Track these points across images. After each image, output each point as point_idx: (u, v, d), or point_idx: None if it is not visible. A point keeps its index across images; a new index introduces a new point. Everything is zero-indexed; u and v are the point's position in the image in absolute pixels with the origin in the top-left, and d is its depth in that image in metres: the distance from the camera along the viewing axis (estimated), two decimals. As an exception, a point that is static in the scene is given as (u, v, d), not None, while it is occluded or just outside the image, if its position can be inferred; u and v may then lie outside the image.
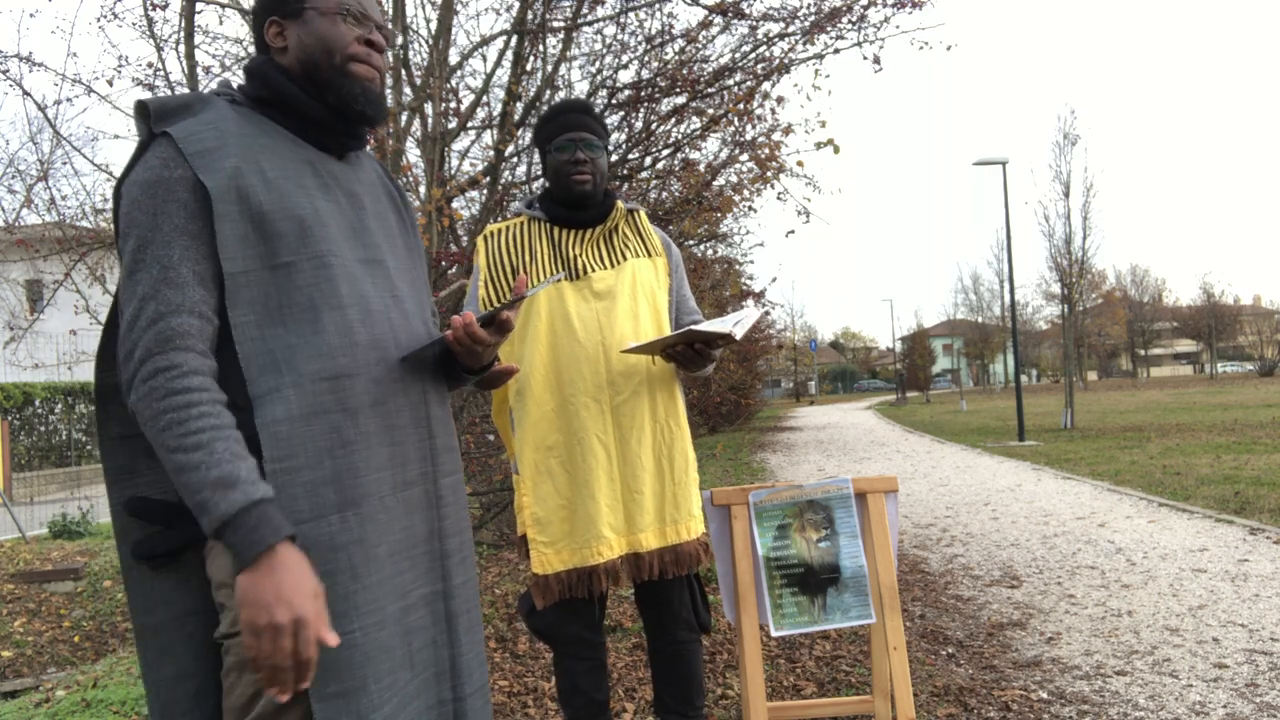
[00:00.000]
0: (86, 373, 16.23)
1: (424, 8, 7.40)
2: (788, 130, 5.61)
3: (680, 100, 5.31)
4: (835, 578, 2.65)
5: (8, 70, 4.28)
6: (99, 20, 4.56)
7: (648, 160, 5.96)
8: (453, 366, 1.60)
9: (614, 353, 2.23)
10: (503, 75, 5.04)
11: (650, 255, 2.38)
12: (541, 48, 4.93)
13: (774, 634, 2.60)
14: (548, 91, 5.12)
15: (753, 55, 5.27)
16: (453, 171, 5.06)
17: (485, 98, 5.00)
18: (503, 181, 4.79)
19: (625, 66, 5.50)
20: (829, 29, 5.04)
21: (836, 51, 5.19)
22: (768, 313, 18.48)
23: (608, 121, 5.36)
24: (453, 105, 4.41)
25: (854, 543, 2.67)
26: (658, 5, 5.09)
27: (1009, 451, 13.95)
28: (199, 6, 3.92)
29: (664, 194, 6.45)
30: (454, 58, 4.85)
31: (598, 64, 5.58)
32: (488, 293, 2.31)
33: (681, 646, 2.37)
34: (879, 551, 2.65)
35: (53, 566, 8.10)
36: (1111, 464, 10.97)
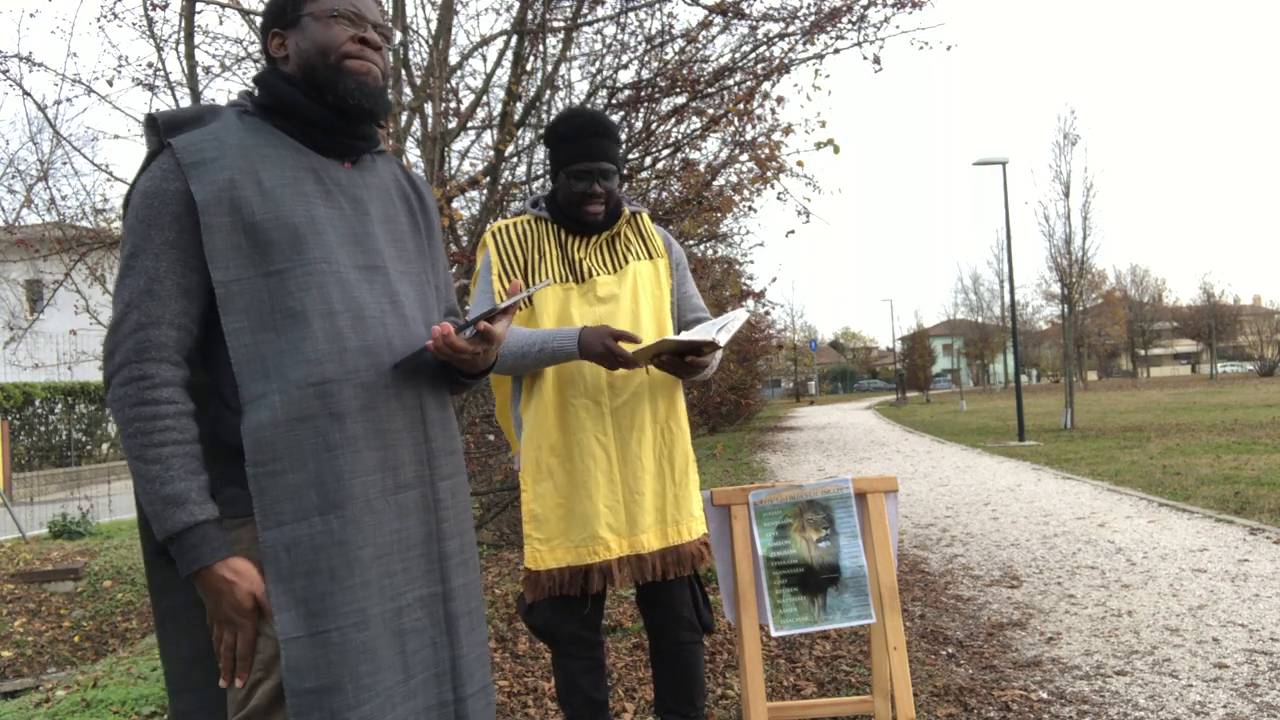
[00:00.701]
0: (86, 373, 16.23)
1: (424, 8, 7.40)
2: (788, 130, 5.61)
3: (680, 100, 5.31)
4: (835, 578, 2.65)
5: (8, 70, 4.28)
6: (99, 20, 4.56)
7: (648, 160, 5.96)
8: (452, 371, 1.61)
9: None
10: (503, 75, 5.04)
11: (652, 257, 2.40)
12: (541, 48, 4.93)
13: (774, 634, 2.60)
14: (548, 91, 5.12)
15: (753, 55, 5.27)
16: (453, 171, 5.06)
17: (485, 98, 5.00)
18: (503, 181, 4.79)
19: (625, 66, 5.50)
20: (829, 29, 5.04)
21: (836, 51, 5.19)
22: (767, 313, 18.47)
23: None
24: (453, 105, 4.41)
25: (854, 543, 2.67)
26: (658, 5, 5.09)
27: (1009, 451, 13.95)
28: (199, 6, 3.93)
29: (664, 194, 6.45)
30: (454, 58, 4.86)
31: (598, 64, 5.58)
32: (501, 286, 2.33)
33: (683, 647, 2.38)
34: (879, 551, 2.65)
35: (53, 566, 8.10)
36: (1111, 464, 10.97)
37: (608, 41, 5.53)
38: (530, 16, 4.51)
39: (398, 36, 4.00)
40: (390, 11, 3.98)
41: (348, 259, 1.46)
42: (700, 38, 5.24)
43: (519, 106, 4.61)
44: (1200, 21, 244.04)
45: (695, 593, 2.40)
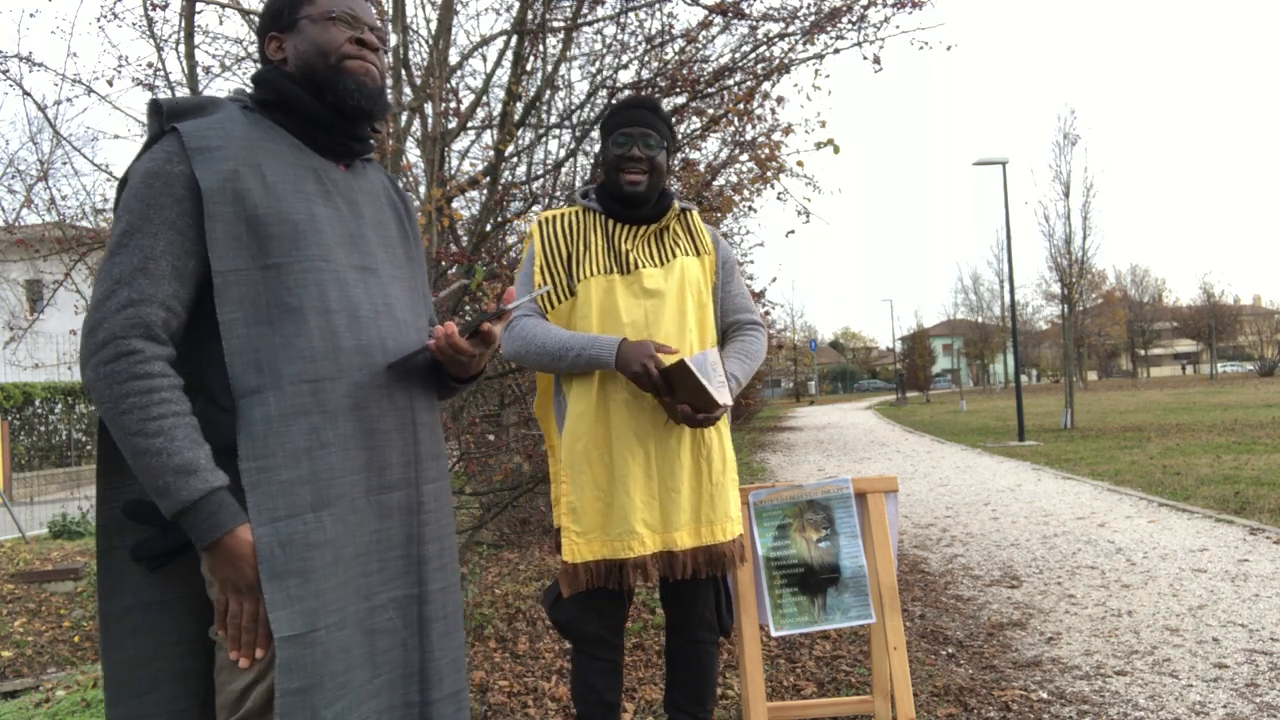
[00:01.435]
0: (86, 373, 16.20)
1: (424, 8, 7.40)
2: (788, 130, 5.61)
3: (680, 100, 5.31)
4: (835, 578, 2.65)
5: (8, 70, 4.28)
6: (99, 20, 4.56)
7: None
8: (443, 375, 1.61)
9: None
10: (503, 75, 5.04)
11: (699, 254, 2.37)
12: (541, 48, 4.93)
13: (774, 634, 2.60)
14: (548, 91, 5.12)
15: (753, 55, 5.27)
16: (453, 171, 5.06)
17: (485, 98, 5.00)
18: (503, 181, 4.79)
19: (625, 66, 5.50)
20: (829, 29, 5.03)
21: (836, 51, 5.19)
22: (767, 313, 18.43)
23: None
24: (453, 105, 4.41)
25: (854, 543, 2.67)
26: (658, 5, 5.09)
27: (1009, 451, 13.95)
28: (199, 6, 3.92)
29: (664, 194, 6.43)
30: (454, 58, 4.85)
31: (598, 64, 5.58)
32: (543, 277, 2.31)
33: (700, 646, 2.37)
34: (879, 551, 2.65)
35: (53, 566, 8.10)
36: (1111, 464, 10.97)
37: (608, 41, 5.53)
38: (530, 16, 4.51)
39: (392, 39, 3.99)
40: (390, 11, 3.98)
41: (344, 259, 1.47)
42: (700, 38, 5.24)
43: (519, 106, 4.61)
44: (1200, 21, 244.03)
45: (719, 594, 2.39)
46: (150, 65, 4.59)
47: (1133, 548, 5.88)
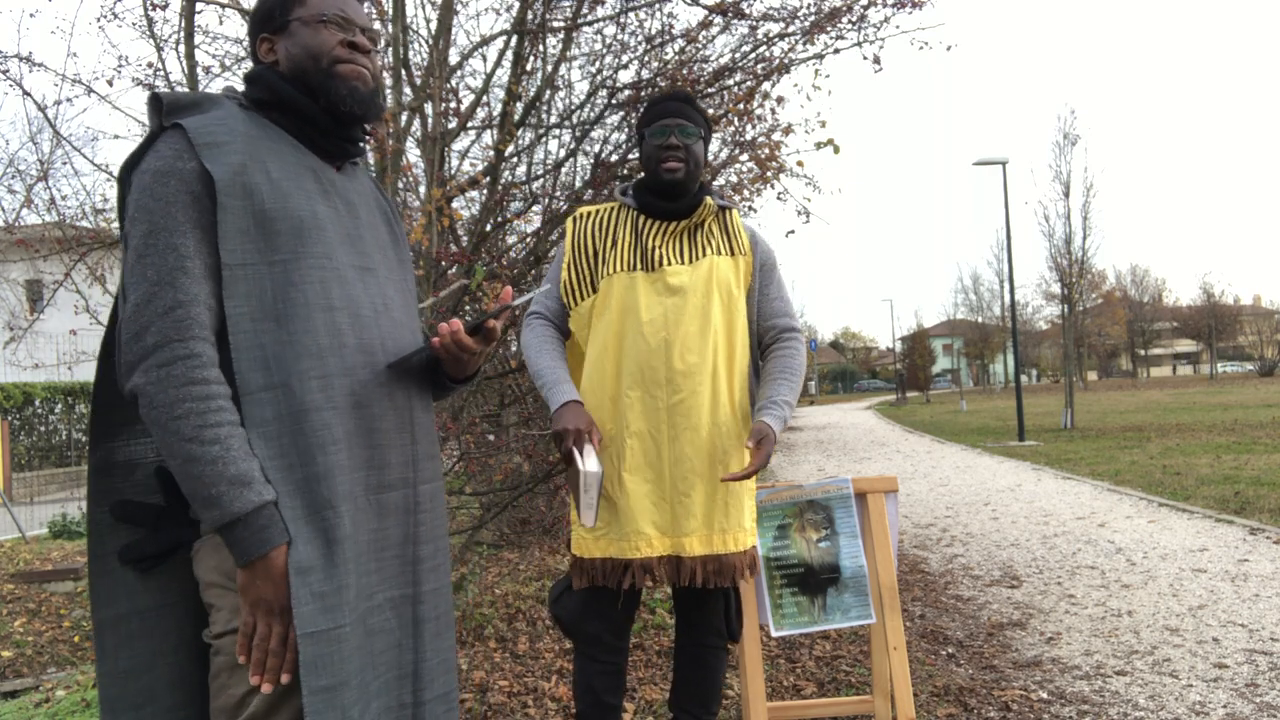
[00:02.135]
0: (86, 373, 16.22)
1: (424, 8, 7.40)
2: (788, 130, 5.60)
3: (680, 100, 5.30)
4: (835, 578, 2.65)
5: (8, 70, 4.28)
6: (99, 20, 4.56)
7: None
8: (439, 375, 1.61)
9: (676, 350, 2.18)
10: (503, 75, 5.04)
11: (734, 254, 2.30)
12: (541, 48, 4.93)
13: (774, 634, 2.60)
14: (548, 91, 5.12)
15: (753, 55, 5.27)
16: (453, 171, 5.06)
17: (485, 98, 5.00)
18: (503, 181, 4.79)
19: (625, 66, 5.50)
20: (829, 29, 5.03)
21: (836, 51, 5.19)
22: None
23: (607, 121, 5.36)
24: (453, 105, 4.41)
25: (854, 543, 2.67)
26: (658, 5, 5.08)
27: (1009, 451, 13.94)
28: (199, 6, 3.92)
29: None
30: (454, 58, 4.85)
31: (598, 64, 5.57)
32: (568, 274, 2.28)
33: (707, 651, 2.35)
34: (879, 551, 2.65)
35: (53, 566, 8.10)
36: (1111, 464, 10.96)
37: (608, 41, 5.53)
38: (530, 16, 4.51)
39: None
40: (390, 11, 3.98)
41: (345, 258, 1.47)
42: (700, 38, 5.24)
43: (519, 106, 4.61)
44: (1200, 21, 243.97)
45: (729, 603, 2.35)
46: (150, 65, 4.59)
47: (1133, 548, 5.88)
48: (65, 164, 8.93)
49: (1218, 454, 11.27)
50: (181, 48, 3.89)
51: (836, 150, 5.22)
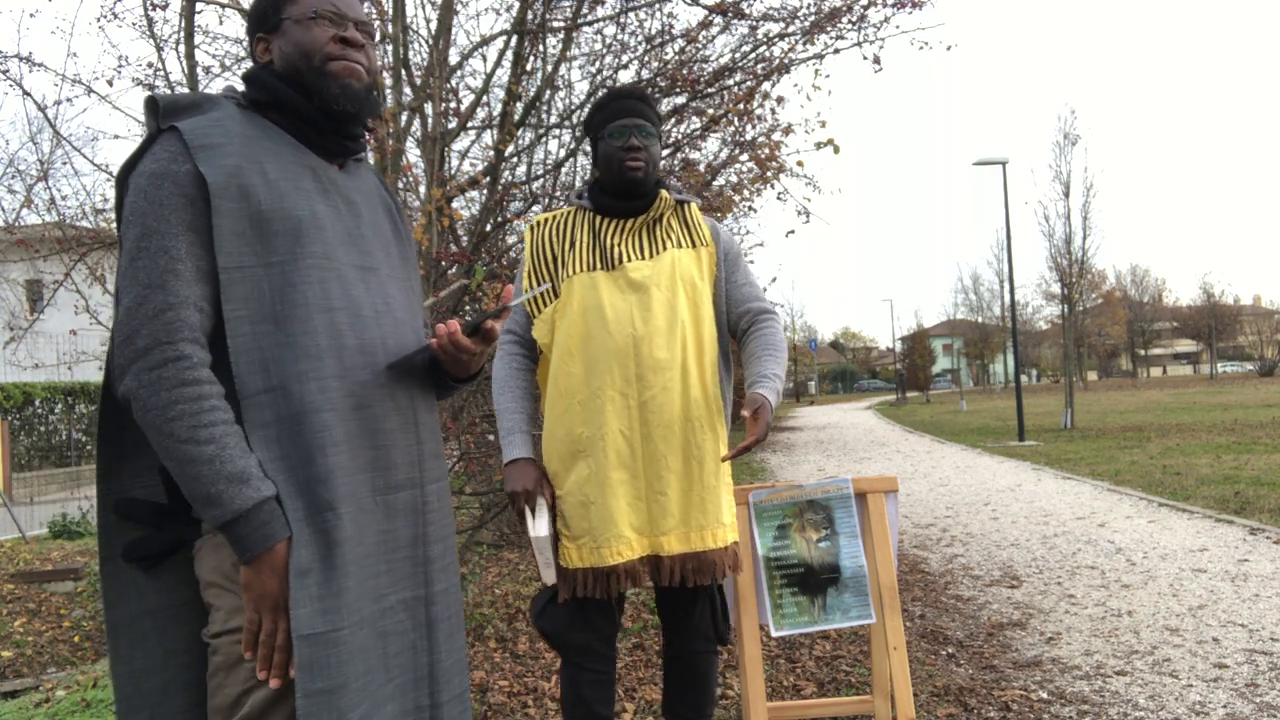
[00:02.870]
0: (86, 373, 16.24)
1: (424, 8, 7.40)
2: (788, 130, 5.61)
3: (680, 100, 5.31)
4: (835, 578, 2.65)
5: (8, 70, 4.28)
6: (99, 20, 4.56)
7: (648, 160, 5.93)
8: (441, 375, 1.60)
9: (645, 346, 2.16)
10: (503, 75, 5.04)
11: (695, 246, 2.28)
12: (541, 48, 4.93)
13: (774, 634, 2.60)
14: (548, 91, 5.12)
15: (753, 55, 5.27)
16: (453, 171, 5.06)
17: (485, 98, 5.00)
18: (503, 181, 4.79)
19: (625, 66, 5.50)
20: (829, 29, 5.04)
21: (836, 51, 5.19)
22: None
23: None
24: (453, 105, 4.41)
25: (854, 543, 2.67)
26: (658, 5, 5.09)
27: (1009, 451, 13.95)
28: (199, 6, 3.92)
29: (664, 194, 6.43)
30: (454, 58, 4.85)
31: (598, 64, 5.58)
32: (530, 282, 2.27)
33: (697, 657, 2.30)
34: (879, 551, 2.65)
35: (53, 566, 8.10)
36: (1111, 464, 10.97)
37: (608, 41, 5.54)
38: (530, 16, 4.51)
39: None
40: (390, 11, 3.98)
41: (345, 258, 1.46)
42: (700, 38, 5.24)
43: (519, 106, 4.61)
44: (1200, 21, 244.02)
45: (714, 604, 2.31)
46: (150, 65, 4.59)
47: (1133, 548, 5.88)
48: (65, 164, 8.94)
49: (1218, 454, 11.27)
50: (181, 48, 3.89)
51: (836, 150, 5.22)
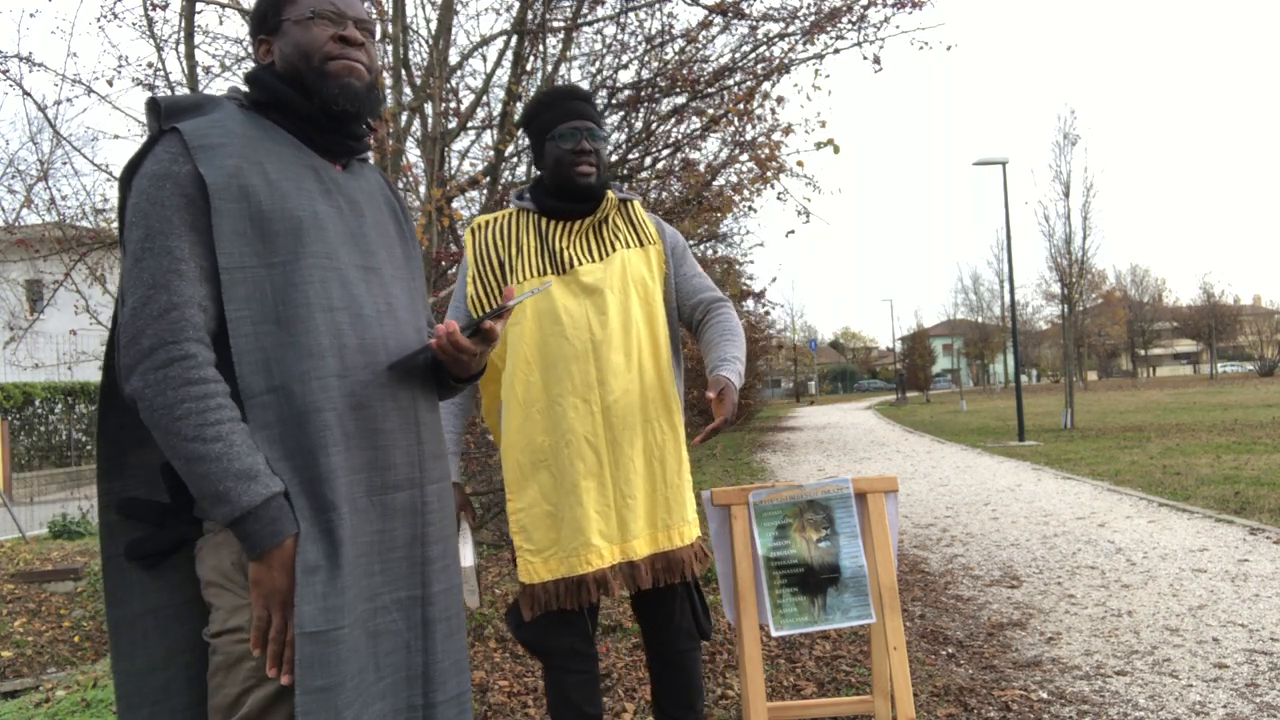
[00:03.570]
0: (86, 373, 16.22)
1: (424, 8, 7.40)
2: (788, 130, 5.61)
3: (680, 100, 5.32)
4: (835, 578, 2.64)
5: (8, 70, 4.28)
6: (99, 20, 4.56)
7: (648, 160, 5.96)
8: (443, 375, 1.60)
9: (604, 350, 2.13)
10: (503, 75, 5.04)
11: (643, 244, 2.25)
12: (541, 48, 4.93)
13: (774, 634, 2.60)
14: (548, 91, 5.11)
15: (753, 55, 5.28)
16: (453, 171, 5.06)
17: (485, 98, 5.00)
18: (503, 181, 4.79)
19: (625, 66, 5.50)
20: (829, 29, 5.04)
21: (836, 51, 5.20)
22: (767, 313, 18.34)
23: (608, 122, 5.36)
24: (453, 105, 4.41)
25: (854, 543, 2.67)
26: (658, 5, 5.09)
27: (1009, 451, 13.95)
28: (199, 6, 3.92)
29: (664, 194, 6.45)
30: (454, 58, 4.85)
31: (598, 64, 5.58)
32: (475, 289, 2.21)
33: (682, 655, 2.30)
34: (879, 551, 2.65)
35: (53, 566, 8.10)
36: (1111, 464, 10.97)
37: (608, 41, 5.54)
38: (530, 16, 4.51)
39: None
40: (390, 12, 3.98)
41: (347, 258, 1.46)
42: (700, 38, 5.25)
43: (519, 106, 4.61)
44: (1200, 21, 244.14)
45: (693, 600, 2.31)
46: (150, 65, 4.59)
47: (1133, 548, 5.88)
48: (65, 164, 8.95)
49: (1218, 454, 11.27)
50: (181, 48, 3.90)
51: (836, 150, 5.22)
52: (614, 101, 5.30)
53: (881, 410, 35.32)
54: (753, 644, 2.58)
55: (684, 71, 5.11)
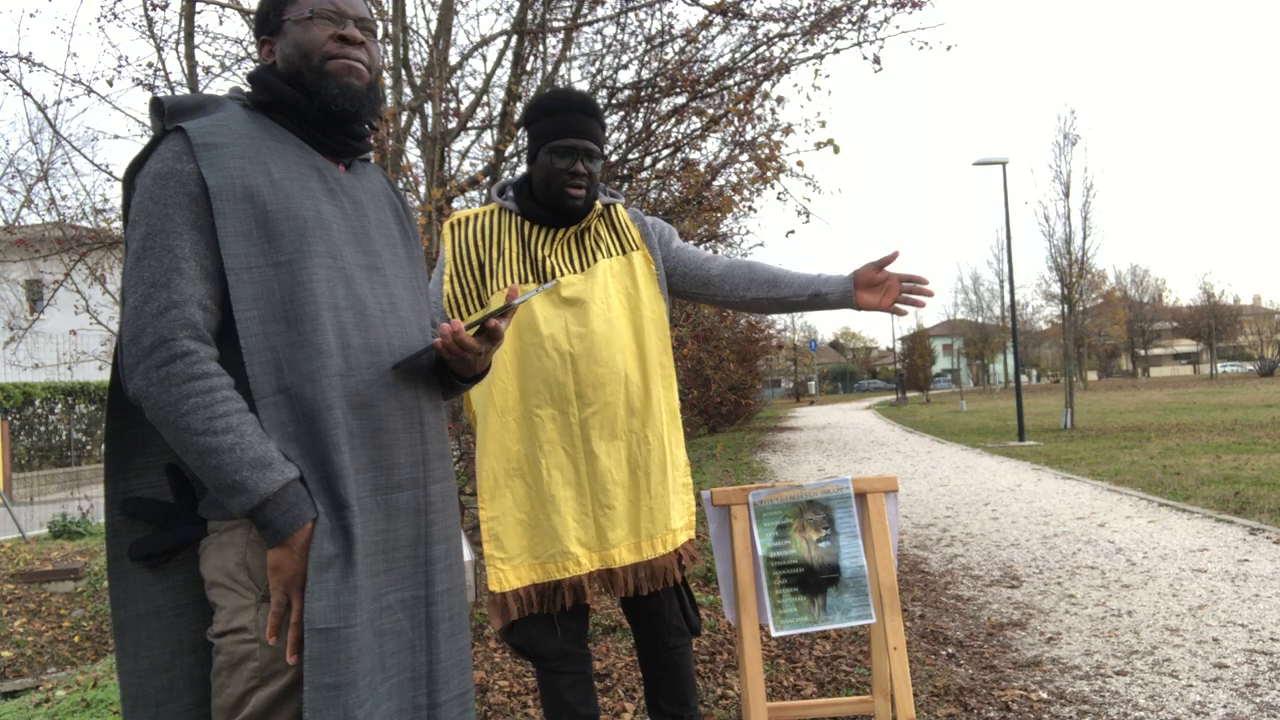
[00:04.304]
0: (86, 373, 16.24)
1: (424, 8, 7.40)
2: (788, 130, 5.61)
3: (680, 100, 5.32)
4: (835, 578, 2.64)
5: (8, 70, 4.29)
6: (99, 20, 4.56)
7: (648, 160, 5.97)
8: (447, 374, 1.60)
9: (583, 363, 2.11)
10: (503, 75, 5.05)
11: (626, 251, 2.21)
12: (541, 48, 4.93)
13: (774, 634, 2.60)
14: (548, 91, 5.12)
15: (753, 55, 5.28)
16: (453, 171, 5.06)
17: (485, 98, 5.00)
18: (502, 181, 4.79)
19: (625, 66, 5.50)
20: (829, 29, 5.05)
21: (836, 51, 5.20)
22: None
23: (608, 122, 5.36)
24: (453, 105, 4.41)
25: (854, 543, 2.67)
26: (658, 5, 5.09)
27: (1009, 451, 13.95)
28: (199, 6, 3.92)
29: (664, 194, 6.46)
30: (454, 58, 4.86)
31: (598, 64, 5.58)
32: (452, 287, 2.17)
33: (672, 651, 2.30)
34: (879, 551, 2.65)
35: (53, 566, 8.10)
36: (1111, 464, 10.97)
37: (608, 41, 5.54)
38: (530, 16, 4.51)
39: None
40: (390, 12, 3.98)
41: (351, 257, 1.46)
42: (700, 38, 5.25)
43: (519, 106, 4.61)
44: (1200, 21, 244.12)
45: (681, 598, 2.30)
46: (150, 65, 4.59)
47: (1133, 548, 5.88)
48: (65, 164, 8.94)
49: (1218, 454, 11.27)
50: (181, 48, 3.90)
51: (836, 150, 5.22)
52: (614, 101, 5.30)
53: (881, 410, 35.32)
54: (753, 644, 2.58)
55: (684, 71, 5.11)
